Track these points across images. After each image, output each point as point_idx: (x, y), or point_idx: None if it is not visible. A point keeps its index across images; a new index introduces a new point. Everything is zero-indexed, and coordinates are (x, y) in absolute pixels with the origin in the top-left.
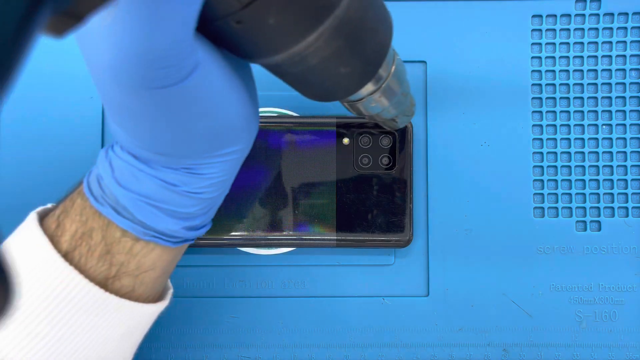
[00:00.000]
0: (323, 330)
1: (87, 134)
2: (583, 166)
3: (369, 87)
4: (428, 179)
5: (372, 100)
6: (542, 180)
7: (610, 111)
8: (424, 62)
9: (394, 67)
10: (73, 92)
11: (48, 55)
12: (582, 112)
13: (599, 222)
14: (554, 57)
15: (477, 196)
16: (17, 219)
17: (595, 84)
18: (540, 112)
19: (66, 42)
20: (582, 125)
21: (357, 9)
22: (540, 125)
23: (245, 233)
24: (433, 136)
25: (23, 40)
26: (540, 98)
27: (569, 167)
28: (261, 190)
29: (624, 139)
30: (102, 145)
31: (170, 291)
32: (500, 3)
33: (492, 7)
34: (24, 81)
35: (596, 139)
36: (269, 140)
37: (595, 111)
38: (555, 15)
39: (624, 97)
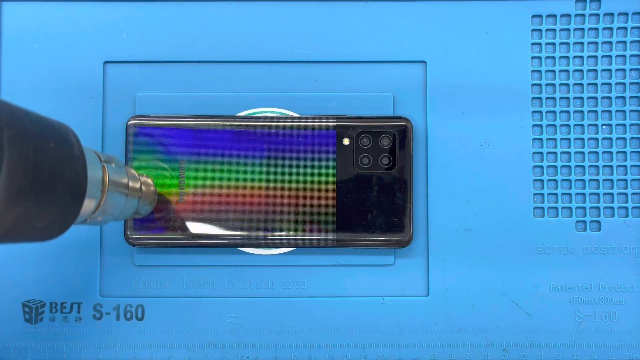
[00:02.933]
0: (323, 330)
1: (87, 133)
2: (583, 166)
3: (87, 210)
4: (428, 179)
5: (97, 218)
6: (542, 180)
7: (610, 111)
8: (424, 62)
9: (106, 185)
10: (73, 92)
11: (48, 55)
12: (582, 112)
13: (599, 222)
14: (554, 57)
15: (477, 196)
16: None
17: (595, 84)
18: (540, 112)
19: (66, 43)
20: (582, 125)
21: (24, 173)
22: (540, 125)
23: (245, 233)
24: (433, 136)
25: None
26: (540, 98)
27: (569, 167)
28: (261, 190)
29: (624, 139)
30: (102, 145)
31: None
32: (500, 3)
33: (492, 7)
34: (24, 81)
35: (596, 139)
36: (269, 140)
37: (595, 111)
38: (555, 15)
39: (624, 97)
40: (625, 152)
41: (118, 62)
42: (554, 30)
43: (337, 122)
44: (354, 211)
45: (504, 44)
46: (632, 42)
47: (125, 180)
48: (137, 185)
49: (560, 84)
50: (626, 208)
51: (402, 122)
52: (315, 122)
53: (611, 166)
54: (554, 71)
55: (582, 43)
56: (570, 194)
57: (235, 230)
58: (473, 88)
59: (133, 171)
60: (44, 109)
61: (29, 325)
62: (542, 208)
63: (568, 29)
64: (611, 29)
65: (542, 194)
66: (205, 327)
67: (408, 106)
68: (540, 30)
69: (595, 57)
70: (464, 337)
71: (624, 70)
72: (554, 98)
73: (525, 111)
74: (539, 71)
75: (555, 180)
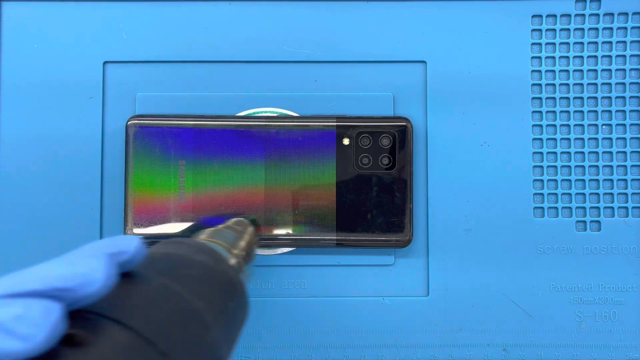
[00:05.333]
0: (323, 330)
1: (87, 134)
2: (583, 166)
3: None
4: (428, 179)
5: None
6: (542, 180)
7: (610, 111)
8: (424, 62)
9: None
10: (73, 92)
11: (48, 55)
12: (582, 112)
13: (599, 222)
14: (554, 57)
15: (477, 196)
16: (16, 219)
17: (595, 84)
18: (540, 112)
19: (66, 43)
20: (582, 125)
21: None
22: (540, 125)
23: None
24: (433, 136)
25: None
26: (540, 98)
27: (569, 167)
28: (261, 190)
29: (624, 139)
30: (102, 145)
31: None
32: (500, 3)
33: (492, 7)
34: (24, 81)
35: (596, 139)
36: (269, 140)
37: (595, 111)
38: (555, 15)
39: (624, 97)
40: (625, 152)
41: (118, 62)
42: (554, 30)
43: (337, 122)
44: (354, 211)
45: (504, 44)
46: (632, 42)
47: (245, 249)
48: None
49: (560, 84)
50: (626, 208)
51: (402, 122)
52: (315, 122)
53: (611, 166)
54: (554, 71)
55: (582, 43)
56: (570, 194)
57: None
58: (473, 88)
59: (234, 229)
60: (44, 109)
61: None
62: (542, 208)
63: (568, 29)
64: (611, 29)
65: (542, 194)
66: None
67: (408, 106)
68: (540, 30)
69: (595, 57)
70: (464, 337)
71: (624, 70)
72: (554, 98)
73: (525, 111)
74: (539, 71)
75: (555, 180)
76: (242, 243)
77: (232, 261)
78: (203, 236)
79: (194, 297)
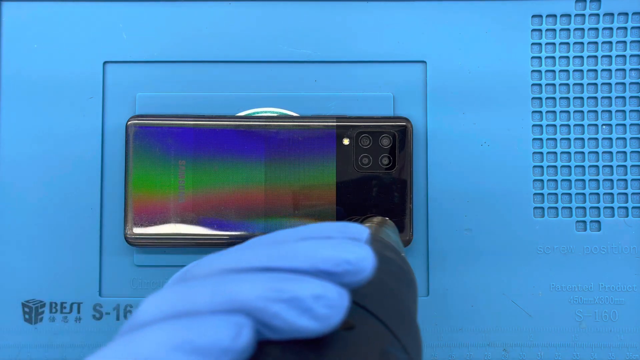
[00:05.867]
0: None
1: (87, 133)
2: (583, 166)
3: None
4: (428, 179)
5: None
6: (542, 180)
7: (610, 111)
8: (424, 62)
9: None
10: (73, 92)
11: (48, 55)
12: (582, 112)
13: (599, 222)
14: (554, 57)
15: (477, 196)
16: (16, 219)
17: (595, 84)
18: (540, 112)
19: (66, 43)
20: (582, 125)
21: None
22: (540, 125)
23: (245, 233)
24: (433, 136)
25: None
26: (540, 98)
27: (569, 167)
28: (261, 190)
29: (624, 139)
30: (102, 145)
31: None
32: (500, 3)
33: (492, 7)
34: (24, 81)
35: (596, 139)
36: (269, 140)
37: (595, 111)
38: (555, 15)
39: (624, 97)
40: (625, 152)
41: (118, 62)
42: (554, 30)
43: (337, 122)
44: (354, 211)
45: (504, 44)
46: (632, 42)
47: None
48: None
49: (560, 84)
50: (626, 208)
51: (402, 122)
52: (315, 122)
53: (611, 166)
54: (554, 71)
55: (582, 43)
56: (570, 194)
57: (235, 231)
58: (473, 88)
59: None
60: (44, 109)
61: (29, 325)
62: (542, 208)
63: (568, 29)
64: (611, 29)
65: (542, 194)
66: None
67: (408, 106)
68: (540, 30)
69: (595, 57)
70: (464, 336)
71: (624, 70)
72: (554, 98)
73: (525, 111)
74: (539, 71)
75: (555, 180)
76: (400, 243)
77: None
78: (372, 231)
79: (406, 297)
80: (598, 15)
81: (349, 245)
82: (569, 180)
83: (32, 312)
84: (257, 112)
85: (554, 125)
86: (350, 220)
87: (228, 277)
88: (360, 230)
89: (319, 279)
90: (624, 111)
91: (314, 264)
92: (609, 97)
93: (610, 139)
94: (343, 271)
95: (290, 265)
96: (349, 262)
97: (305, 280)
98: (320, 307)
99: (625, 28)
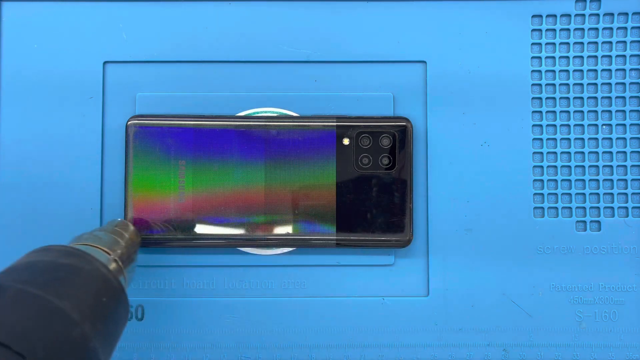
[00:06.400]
0: (323, 330)
1: (87, 133)
2: (583, 166)
3: None
4: (428, 179)
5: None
6: (542, 180)
7: (610, 111)
8: (424, 62)
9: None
10: (73, 92)
11: (48, 55)
12: (582, 112)
13: (599, 222)
14: (554, 57)
15: (477, 196)
16: (16, 219)
17: (595, 84)
18: (540, 112)
19: (66, 43)
20: (582, 125)
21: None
22: (540, 125)
23: (245, 233)
24: (433, 136)
25: None
26: (540, 98)
27: (569, 167)
28: (261, 190)
29: (624, 139)
30: (102, 145)
31: None
32: (500, 3)
33: (492, 7)
34: (24, 81)
35: (596, 139)
36: (269, 140)
37: (595, 111)
38: (555, 15)
39: (624, 97)
40: (625, 152)
41: (118, 62)
42: (554, 30)
43: (337, 122)
44: (354, 211)
45: (504, 44)
46: (632, 42)
47: (125, 250)
48: (125, 240)
49: (560, 84)
50: (626, 208)
51: (402, 122)
52: (315, 122)
53: (611, 166)
54: (554, 71)
55: (582, 43)
56: (570, 194)
57: (235, 231)
58: (473, 88)
59: (114, 229)
60: (44, 109)
61: None
62: (542, 208)
63: (568, 29)
64: (611, 29)
65: (542, 194)
66: (205, 328)
67: (408, 106)
68: (540, 30)
69: (595, 57)
70: (464, 337)
71: (624, 70)
72: (554, 98)
73: (525, 111)
74: (539, 71)
75: (555, 180)
76: (120, 245)
77: (110, 263)
78: (77, 242)
79: (56, 298)
80: (598, 15)
81: None
82: (569, 180)
83: None
84: (257, 112)
85: (554, 125)
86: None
87: None
88: None
89: None
90: (624, 111)
91: None
92: (609, 97)
93: (610, 139)
94: None
95: None
96: None
97: None
98: None
99: (625, 28)
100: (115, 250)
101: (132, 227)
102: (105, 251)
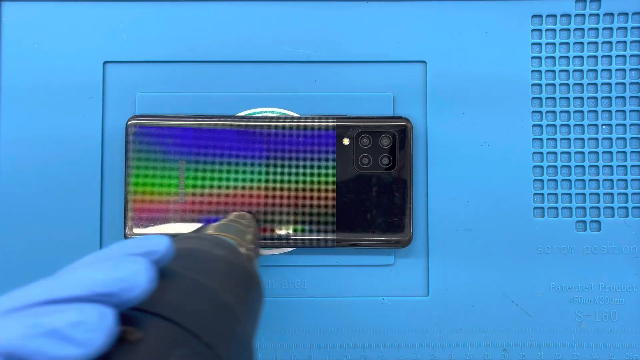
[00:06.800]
0: (323, 330)
1: (87, 133)
2: (583, 166)
3: None
4: (428, 179)
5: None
6: (542, 180)
7: (610, 111)
8: (424, 62)
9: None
10: (73, 92)
11: (48, 55)
12: (582, 112)
13: (599, 222)
14: (554, 57)
15: (477, 196)
16: (16, 219)
17: (595, 84)
18: (540, 112)
19: (66, 43)
20: (582, 125)
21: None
22: (540, 125)
23: None
24: (433, 136)
25: None
26: (540, 98)
27: (569, 167)
28: (261, 190)
29: (624, 139)
30: (102, 145)
31: None
32: (500, 3)
33: (492, 7)
34: (24, 81)
35: (596, 139)
36: (269, 140)
37: (595, 111)
38: (555, 15)
39: (624, 97)
40: (625, 152)
41: (118, 62)
42: (554, 30)
43: (337, 122)
44: (354, 211)
45: (504, 44)
46: (632, 42)
47: (256, 245)
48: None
49: (560, 84)
50: (626, 208)
51: (402, 122)
52: (315, 122)
53: (611, 166)
54: (554, 71)
55: (582, 43)
56: (570, 194)
57: None
58: (473, 88)
59: (236, 223)
60: (44, 109)
61: None
62: (542, 208)
63: (568, 29)
64: (611, 29)
65: (542, 194)
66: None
67: (408, 106)
68: (540, 30)
69: (595, 57)
70: (464, 337)
71: (624, 70)
72: (554, 98)
73: (525, 111)
74: (539, 71)
75: (555, 180)
76: (250, 236)
77: (252, 258)
78: (211, 230)
79: (224, 291)
80: (598, 15)
81: (125, 263)
82: (569, 180)
83: None
84: (257, 112)
85: (554, 125)
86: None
87: None
88: (158, 241)
89: (81, 304)
90: (624, 111)
91: (90, 289)
92: (609, 97)
93: (610, 139)
94: (119, 290)
95: (69, 294)
96: (123, 280)
97: (64, 309)
98: (80, 333)
99: (625, 28)
100: (250, 244)
101: (254, 222)
102: (240, 243)
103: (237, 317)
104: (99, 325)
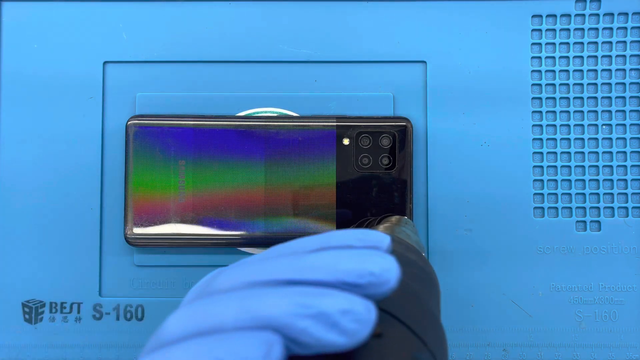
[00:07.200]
0: None
1: (87, 133)
2: (583, 166)
3: None
4: (428, 179)
5: None
6: (542, 180)
7: (610, 111)
8: (424, 62)
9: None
10: (73, 92)
11: (48, 55)
12: (582, 112)
13: (599, 222)
14: (554, 57)
15: (477, 196)
16: (16, 219)
17: (595, 84)
18: (540, 112)
19: (66, 43)
20: (582, 125)
21: None
22: (540, 125)
23: (245, 233)
24: (433, 136)
25: None
26: (540, 98)
27: (569, 167)
28: (261, 190)
29: (624, 139)
30: (102, 145)
31: None
32: (500, 3)
33: (492, 7)
34: (24, 81)
35: (596, 139)
36: (269, 140)
37: (595, 111)
38: (555, 15)
39: (624, 97)
40: (625, 152)
41: (118, 62)
42: (554, 30)
43: (337, 122)
44: (354, 211)
45: (504, 44)
46: (632, 42)
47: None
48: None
49: (560, 84)
50: (626, 208)
51: (402, 122)
52: (315, 122)
53: (611, 166)
54: (554, 71)
55: (582, 43)
56: (570, 194)
57: (235, 230)
58: (473, 88)
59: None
60: (44, 109)
61: (29, 325)
62: (542, 208)
63: (568, 29)
64: (611, 29)
65: (542, 194)
66: None
67: (408, 106)
68: (540, 30)
69: (595, 57)
70: (464, 336)
71: (624, 70)
72: (554, 98)
73: (525, 111)
74: (539, 71)
75: (555, 180)
76: (420, 242)
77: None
78: (389, 232)
79: (429, 299)
80: (598, 15)
81: (373, 256)
82: (569, 180)
83: (32, 312)
84: (257, 112)
85: (554, 125)
86: (366, 221)
87: (252, 291)
88: (381, 237)
89: (346, 292)
90: (624, 111)
91: (337, 277)
92: (609, 97)
93: (610, 139)
94: (367, 283)
95: (314, 277)
96: (372, 274)
97: (332, 294)
98: (348, 322)
99: (625, 28)
100: (420, 248)
101: (415, 227)
102: (422, 250)
103: (442, 328)
104: (367, 317)
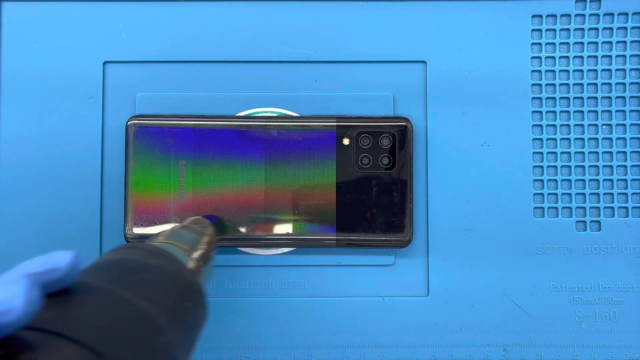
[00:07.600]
0: (323, 330)
1: (87, 133)
2: (583, 166)
3: None
4: (428, 179)
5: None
6: (542, 180)
7: (610, 111)
8: (424, 62)
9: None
10: (73, 92)
11: (48, 55)
12: (582, 112)
13: (599, 222)
14: (554, 57)
15: (477, 196)
16: (16, 219)
17: (595, 84)
18: (540, 112)
19: (66, 43)
20: (582, 125)
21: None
22: (540, 125)
23: (245, 233)
24: (433, 136)
25: None
26: (540, 98)
27: (569, 167)
28: (261, 190)
29: (624, 139)
30: (102, 145)
31: None
32: (500, 3)
33: (492, 7)
34: (24, 81)
35: (596, 139)
36: (269, 140)
37: (595, 111)
38: (555, 15)
39: (624, 97)
40: (625, 152)
41: (118, 62)
42: (554, 30)
43: (337, 122)
44: (354, 211)
45: (504, 44)
46: (632, 42)
47: (205, 250)
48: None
49: (560, 84)
50: (626, 208)
51: (402, 122)
52: (315, 122)
53: (611, 166)
54: (554, 71)
55: (582, 43)
56: (570, 194)
57: (235, 230)
58: (473, 88)
59: (192, 228)
60: (44, 109)
61: None
62: (542, 208)
63: (568, 29)
64: (611, 29)
65: (542, 194)
66: (205, 328)
67: (408, 106)
68: (540, 30)
69: (595, 57)
70: (464, 337)
71: (624, 70)
72: (554, 98)
73: (525, 111)
74: (539, 71)
75: (555, 180)
76: (201, 244)
77: (190, 262)
78: (159, 239)
79: (145, 302)
80: (598, 15)
81: (4, 285)
82: (569, 180)
83: None
84: (257, 112)
85: (554, 125)
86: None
87: None
88: (60, 257)
89: None
90: (624, 111)
91: None
92: (609, 97)
93: (610, 139)
94: None
95: None
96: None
97: None
98: None
99: (625, 28)
100: (196, 250)
101: (211, 227)
102: (187, 250)
103: (160, 328)
104: None
